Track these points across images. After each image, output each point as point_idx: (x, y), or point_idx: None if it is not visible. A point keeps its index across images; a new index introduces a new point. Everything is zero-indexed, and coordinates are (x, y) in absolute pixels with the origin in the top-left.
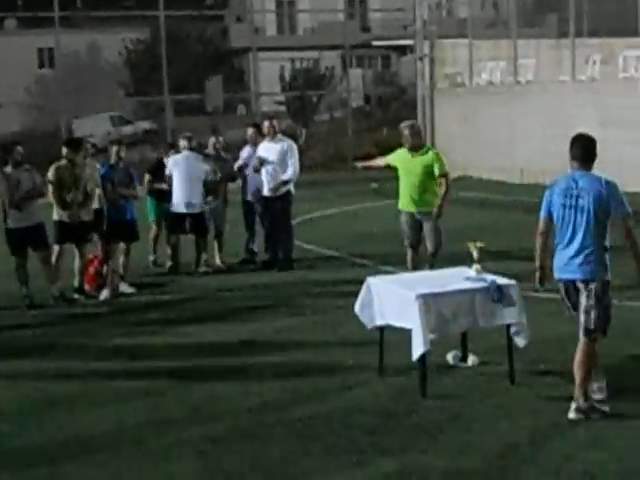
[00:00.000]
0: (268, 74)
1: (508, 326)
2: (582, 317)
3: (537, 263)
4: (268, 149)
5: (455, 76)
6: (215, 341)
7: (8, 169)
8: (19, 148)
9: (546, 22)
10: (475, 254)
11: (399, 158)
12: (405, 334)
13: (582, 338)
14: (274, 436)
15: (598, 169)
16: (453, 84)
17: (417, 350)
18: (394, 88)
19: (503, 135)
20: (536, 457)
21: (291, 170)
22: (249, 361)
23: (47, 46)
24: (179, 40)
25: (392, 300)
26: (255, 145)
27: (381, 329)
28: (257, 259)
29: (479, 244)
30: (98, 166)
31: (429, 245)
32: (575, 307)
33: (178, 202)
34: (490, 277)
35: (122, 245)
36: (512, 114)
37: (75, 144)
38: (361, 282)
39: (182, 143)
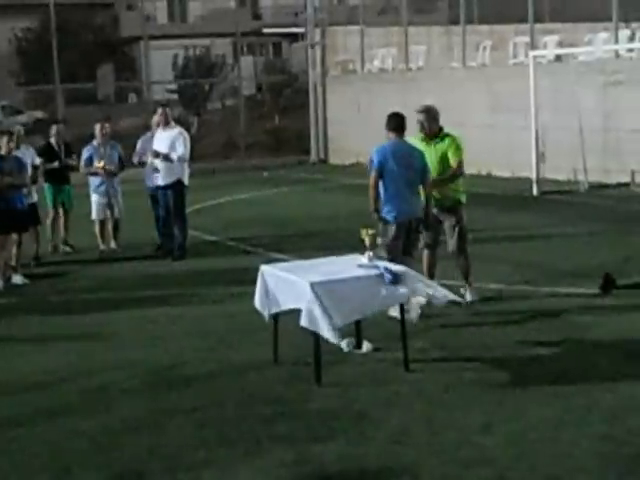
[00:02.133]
0: (160, 62)
1: (402, 308)
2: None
3: (373, 207)
4: (160, 139)
5: (347, 63)
6: (109, 331)
7: None
8: None
9: (437, 9)
10: (367, 241)
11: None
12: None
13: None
14: (169, 426)
15: (489, 153)
16: (345, 71)
17: (323, 334)
18: (286, 76)
19: None
20: (432, 443)
21: (181, 150)
22: (139, 349)
23: None
24: (69, 29)
25: (286, 288)
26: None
27: (275, 317)
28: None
29: (371, 231)
30: None
31: (451, 244)
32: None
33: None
34: (382, 264)
35: (13, 236)
36: (404, 101)
37: None
38: (254, 270)
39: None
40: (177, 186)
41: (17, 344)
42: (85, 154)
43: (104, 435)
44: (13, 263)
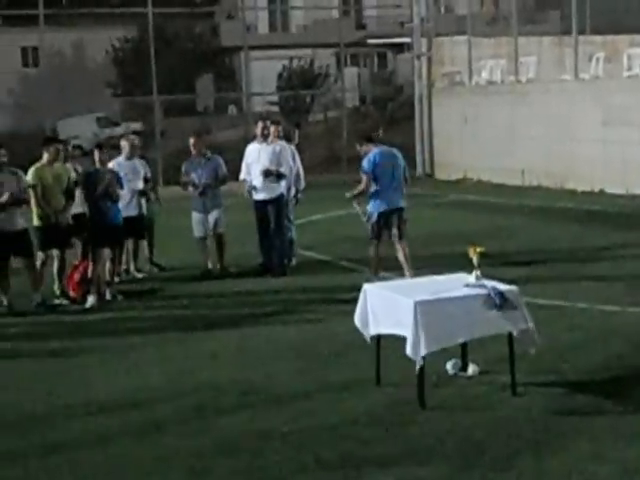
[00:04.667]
0: (260, 73)
1: (510, 334)
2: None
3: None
4: (262, 151)
5: (454, 75)
6: (206, 349)
7: None
8: (1, 151)
9: (548, 19)
10: (475, 259)
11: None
12: (403, 343)
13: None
14: (266, 448)
15: (602, 169)
16: (452, 83)
17: (415, 358)
18: (390, 87)
19: (503, 136)
20: (538, 471)
21: (285, 167)
22: (236, 368)
23: (31, 45)
24: (168, 38)
25: (389, 308)
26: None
27: (378, 338)
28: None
29: (479, 249)
30: (80, 169)
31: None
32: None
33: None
34: (490, 283)
35: (107, 250)
36: (513, 114)
37: (47, 142)
38: (357, 288)
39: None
40: (278, 201)
41: (110, 362)
42: (183, 168)
43: (198, 457)
44: (107, 278)
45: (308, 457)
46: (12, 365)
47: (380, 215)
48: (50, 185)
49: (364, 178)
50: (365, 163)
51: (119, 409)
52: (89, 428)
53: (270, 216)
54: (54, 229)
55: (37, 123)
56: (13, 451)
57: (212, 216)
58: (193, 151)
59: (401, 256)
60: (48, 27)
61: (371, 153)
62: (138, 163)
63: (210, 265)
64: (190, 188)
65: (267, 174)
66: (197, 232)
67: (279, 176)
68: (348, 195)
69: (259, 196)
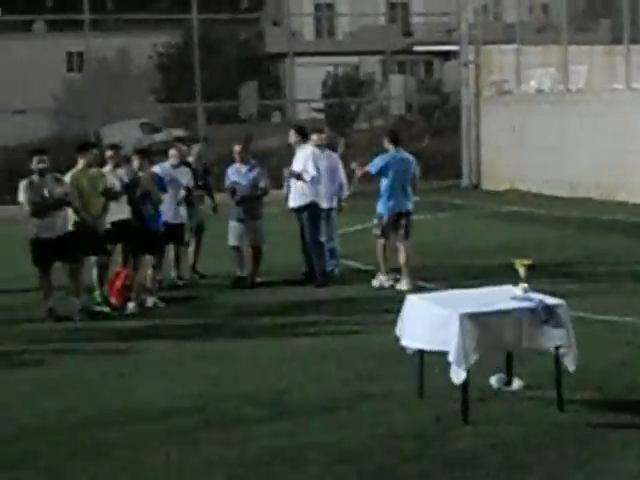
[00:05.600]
0: (305, 80)
1: (557, 349)
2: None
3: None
4: (296, 159)
5: (502, 83)
6: (247, 358)
7: (35, 177)
8: (35, 158)
9: (599, 27)
10: (522, 272)
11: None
12: (446, 356)
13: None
14: (307, 459)
15: None
16: (500, 92)
17: (458, 373)
18: (437, 96)
19: (552, 146)
20: None
21: (308, 174)
22: (277, 378)
23: (77, 50)
24: (212, 44)
25: (431, 320)
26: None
27: (421, 350)
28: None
29: (526, 261)
30: (123, 174)
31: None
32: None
33: None
34: (537, 296)
35: (149, 257)
36: (562, 124)
37: (83, 148)
38: (400, 299)
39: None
40: (309, 209)
41: (150, 368)
42: (226, 175)
43: (239, 466)
44: (148, 285)
45: (348, 469)
46: (54, 371)
47: (390, 217)
48: (87, 190)
49: (369, 169)
50: (376, 160)
51: (159, 416)
52: (129, 434)
53: (303, 224)
54: (91, 235)
55: (81, 129)
56: (50, 458)
57: (250, 226)
58: (237, 159)
59: (402, 258)
60: (93, 32)
61: (387, 154)
62: (183, 171)
63: (241, 273)
64: (231, 195)
65: (291, 174)
66: (231, 241)
67: (298, 177)
68: (353, 165)
69: (291, 204)
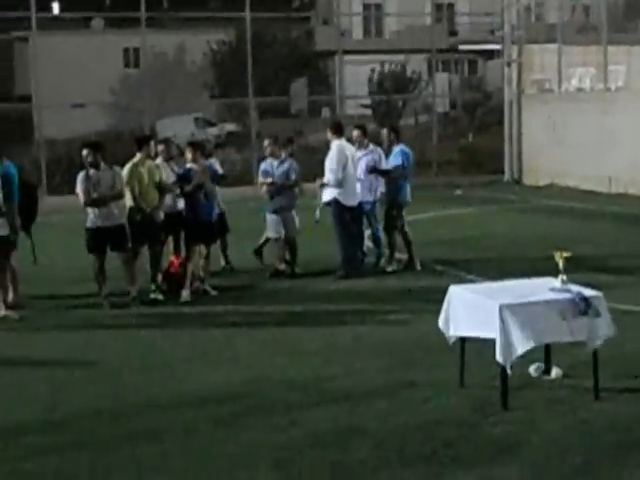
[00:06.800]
0: (354, 77)
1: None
2: None
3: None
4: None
5: (543, 82)
6: (293, 345)
7: (91, 170)
8: (84, 152)
9: (638, 28)
10: (561, 264)
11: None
12: (487, 345)
13: None
14: (351, 443)
15: None
16: (541, 90)
17: (505, 362)
18: (480, 93)
19: (592, 143)
20: (621, 475)
21: (329, 175)
22: (322, 365)
23: (133, 46)
24: (264, 42)
25: (474, 310)
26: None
27: (462, 340)
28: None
29: (565, 254)
30: (176, 168)
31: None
32: None
33: None
34: (576, 288)
35: (202, 247)
36: (601, 122)
37: (140, 141)
38: (443, 290)
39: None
40: (332, 205)
41: (200, 356)
42: (259, 169)
43: (283, 450)
44: (201, 274)
45: (391, 454)
46: (107, 356)
47: (405, 205)
48: (145, 182)
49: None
50: (402, 155)
51: (207, 402)
52: (178, 420)
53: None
54: (148, 225)
55: (137, 122)
56: (104, 440)
57: (282, 218)
58: (266, 153)
59: (400, 240)
60: (149, 29)
61: (402, 146)
62: (213, 162)
63: (282, 266)
64: (264, 189)
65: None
66: (270, 233)
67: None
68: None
69: (323, 198)
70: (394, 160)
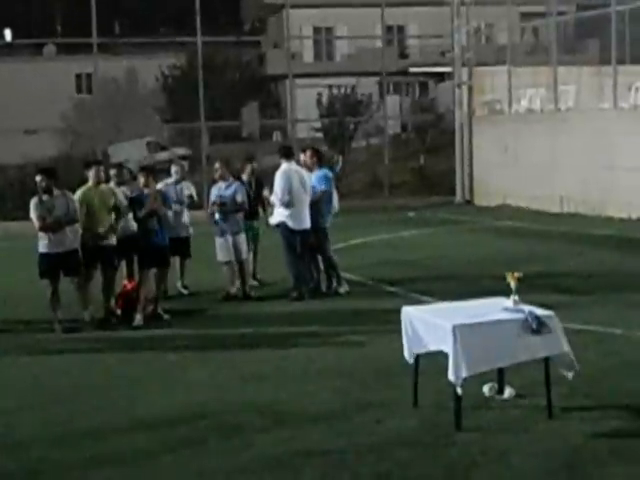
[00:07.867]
0: (305, 101)
1: (546, 358)
2: None
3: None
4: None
5: (494, 103)
6: (247, 368)
7: (44, 195)
8: (37, 177)
9: (587, 48)
10: (513, 284)
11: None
12: (440, 366)
13: None
14: (305, 467)
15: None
16: (492, 111)
17: (456, 381)
18: (432, 115)
19: (543, 163)
20: None
21: (274, 198)
22: (275, 388)
23: (85, 72)
24: (216, 66)
25: (428, 329)
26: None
27: (416, 359)
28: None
29: (517, 274)
30: (127, 192)
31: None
32: None
33: None
34: (528, 308)
35: (154, 270)
36: (552, 142)
37: (89, 165)
38: (396, 311)
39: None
40: (281, 228)
41: (154, 379)
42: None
43: (240, 473)
44: (153, 297)
45: (346, 476)
46: (60, 381)
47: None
48: (96, 206)
49: (320, 193)
50: (326, 180)
51: (162, 425)
52: (133, 443)
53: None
54: (101, 250)
55: (90, 147)
56: (56, 466)
57: (232, 241)
58: (216, 176)
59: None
60: (102, 55)
61: (325, 170)
62: (185, 186)
63: (233, 290)
64: (214, 211)
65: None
66: (219, 256)
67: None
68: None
69: (271, 221)
70: (318, 184)
